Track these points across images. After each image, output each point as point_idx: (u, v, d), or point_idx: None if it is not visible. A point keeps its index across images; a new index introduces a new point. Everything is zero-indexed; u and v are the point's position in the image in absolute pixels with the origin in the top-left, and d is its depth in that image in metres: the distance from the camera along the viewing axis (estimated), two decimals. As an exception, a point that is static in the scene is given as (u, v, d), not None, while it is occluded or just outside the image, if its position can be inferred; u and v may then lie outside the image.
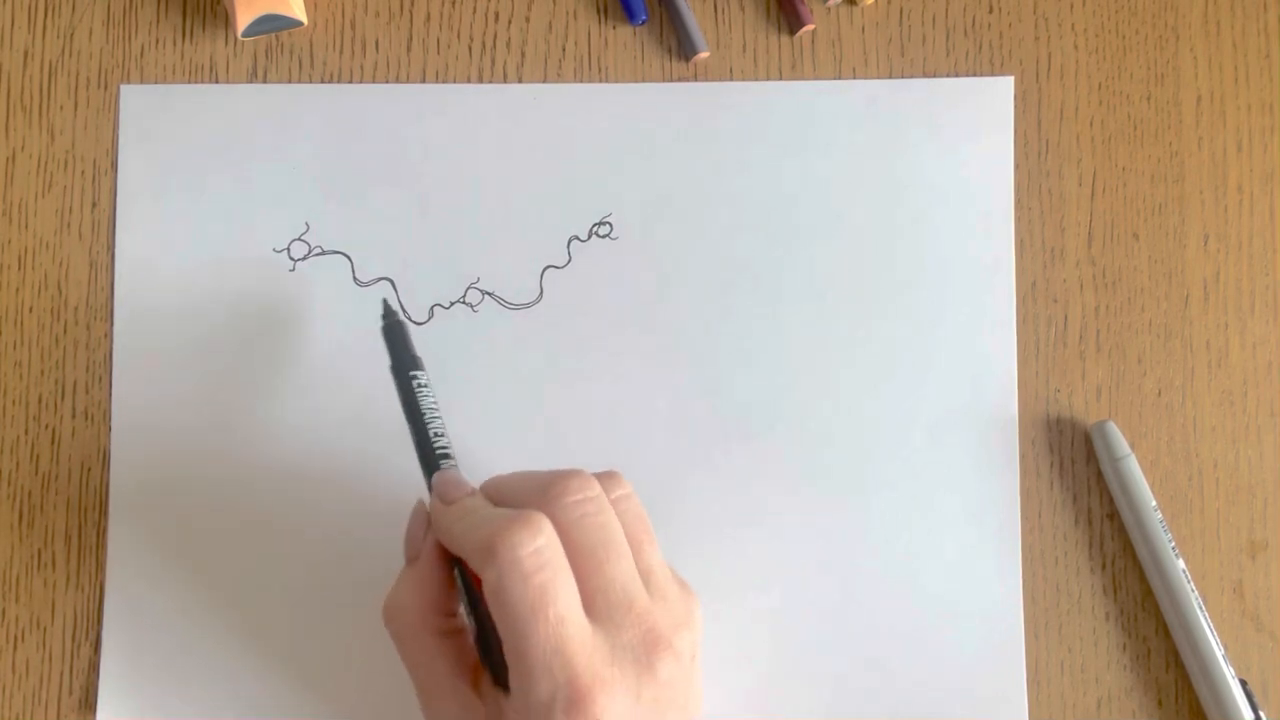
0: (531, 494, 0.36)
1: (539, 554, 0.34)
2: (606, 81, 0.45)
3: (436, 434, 0.38)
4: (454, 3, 0.46)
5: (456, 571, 0.37)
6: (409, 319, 0.44)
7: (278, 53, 0.45)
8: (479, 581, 0.35)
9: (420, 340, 0.43)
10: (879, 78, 0.45)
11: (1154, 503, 0.43)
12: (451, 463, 0.38)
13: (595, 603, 0.34)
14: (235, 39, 0.45)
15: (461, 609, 0.38)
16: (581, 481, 0.36)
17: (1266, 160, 0.45)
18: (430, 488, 0.38)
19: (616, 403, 0.44)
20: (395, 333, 0.41)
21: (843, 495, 0.44)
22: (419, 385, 0.39)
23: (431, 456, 0.38)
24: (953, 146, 0.45)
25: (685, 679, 0.35)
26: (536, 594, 0.33)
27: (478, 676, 0.37)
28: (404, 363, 0.40)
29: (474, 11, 0.46)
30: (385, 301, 0.42)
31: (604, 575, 0.35)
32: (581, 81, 0.45)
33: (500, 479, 0.38)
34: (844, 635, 0.43)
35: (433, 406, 0.39)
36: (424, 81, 0.45)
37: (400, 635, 0.37)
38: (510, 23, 0.46)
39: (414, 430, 0.39)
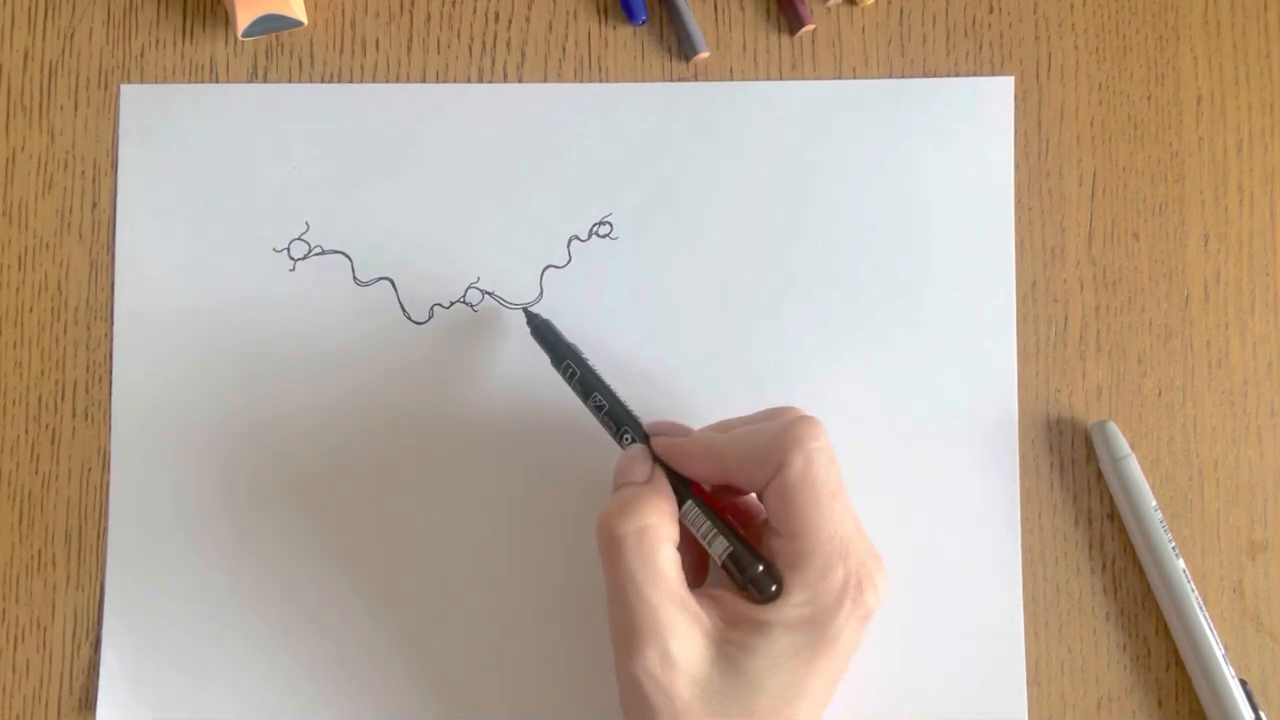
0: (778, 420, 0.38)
1: (830, 448, 0.37)
2: (606, 81, 0.45)
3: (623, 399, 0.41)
4: (454, 3, 0.46)
5: (690, 501, 0.38)
6: (409, 319, 0.44)
7: (278, 53, 0.45)
8: (719, 508, 0.38)
9: (420, 340, 0.43)
10: (879, 78, 0.45)
11: (1154, 503, 0.43)
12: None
13: None
14: (235, 39, 0.45)
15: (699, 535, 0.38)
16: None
17: (1266, 160, 0.45)
18: (631, 441, 0.39)
19: (616, 403, 0.44)
20: (546, 331, 0.42)
21: (843, 495, 0.44)
22: (592, 363, 0.41)
23: (628, 414, 0.40)
24: (953, 146, 0.45)
25: None
26: (837, 480, 0.36)
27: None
28: (563, 351, 0.41)
29: (474, 11, 0.46)
30: (525, 310, 0.43)
31: (844, 493, 0.37)
32: (581, 81, 0.45)
33: (724, 421, 0.40)
34: (844, 635, 0.43)
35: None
36: (424, 81, 0.45)
37: (639, 547, 0.36)
38: (510, 23, 0.46)
39: (603, 397, 0.40)
